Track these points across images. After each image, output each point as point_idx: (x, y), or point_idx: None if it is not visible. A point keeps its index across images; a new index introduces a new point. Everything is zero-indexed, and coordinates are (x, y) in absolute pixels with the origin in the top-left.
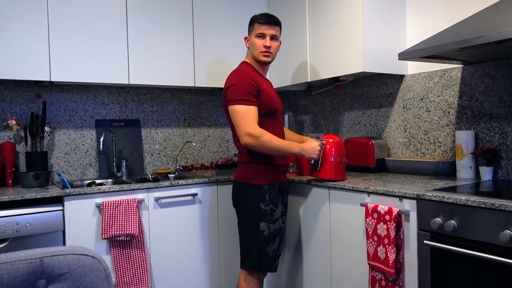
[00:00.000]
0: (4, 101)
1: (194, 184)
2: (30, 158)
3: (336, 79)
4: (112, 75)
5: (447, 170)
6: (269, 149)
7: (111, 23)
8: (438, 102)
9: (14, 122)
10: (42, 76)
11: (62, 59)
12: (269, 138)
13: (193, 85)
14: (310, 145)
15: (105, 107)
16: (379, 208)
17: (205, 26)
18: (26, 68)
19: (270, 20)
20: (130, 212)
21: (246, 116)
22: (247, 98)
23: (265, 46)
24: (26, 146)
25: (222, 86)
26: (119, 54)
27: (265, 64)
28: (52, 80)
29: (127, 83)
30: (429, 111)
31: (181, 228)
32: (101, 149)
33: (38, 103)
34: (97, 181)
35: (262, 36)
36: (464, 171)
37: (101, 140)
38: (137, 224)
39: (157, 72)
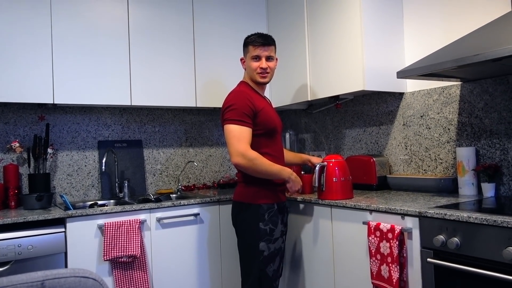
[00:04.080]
0: (8, 123)
1: (196, 204)
2: (33, 180)
3: (336, 98)
4: (115, 97)
5: (449, 187)
6: (259, 172)
7: (114, 47)
8: (438, 119)
9: (17, 145)
10: (45, 98)
11: (65, 82)
12: (261, 162)
13: (195, 105)
14: (297, 177)
15: (107, 128)
16: (381, 226)
17: (206, 47)
18: (30, 91)
19: (264, 42)
20: (132, 233)
21: (239, 136)
22: (242, 119)
23: (261, 68)
24: (29, 168)
25: None
26: (122, 76)
27: (263, 85)
28: (55, 102)
29: (129, 104)
30: (430, 128)
31: (183, 248)
32: (103, 170)
33: (42, 125)
34: (99, 202)
35: (257, 58)
36: (466, 188)
37: (104, 161)
38: (139, 245)
39: (159, 93)
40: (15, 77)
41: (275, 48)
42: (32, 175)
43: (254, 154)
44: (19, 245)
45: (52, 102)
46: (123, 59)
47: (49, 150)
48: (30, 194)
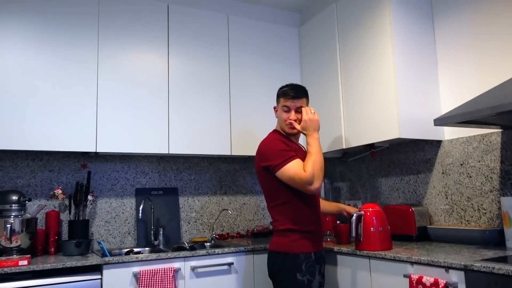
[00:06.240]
0: (53, 171)
1: (230, 253)
2: (73, 226)
3: (371, 146)
4: (153, 146)
5: (495, 238)
6: (322, 170)
7: (154, 98)
8: (479, 168)
9: (60, 192)
10: (89, 147)
11: (108, 132)
12: (319, 166)
13: (230, 154)
14: (309, 117)
15: (145, 176)
16: (424, 280)
17: (241, 97)
18: (75, 140)
19: (295, 95)
20: (166, 282)
21: (297, 170)
22: (285, 157)
23: (290, 119)
24: (69, 214)
25: None
26: (160, 125)
27: (293, 136)
28: (97, 151)
29: (167, 152)
30: (471, 177)
31: None
32: (140, 217)
33: (83, 172)
34: (135, 250)
35: (287, 109)
36: None
37: (140, 208)
38: None
39: (195, 142)
40: (61, 127)
41: (307, 99)
42: (72, 222)
43: (309, 174)
44: None
45: (94, 151)
46: (163, 110)
47: (89, 197)
48: (69, 240)
